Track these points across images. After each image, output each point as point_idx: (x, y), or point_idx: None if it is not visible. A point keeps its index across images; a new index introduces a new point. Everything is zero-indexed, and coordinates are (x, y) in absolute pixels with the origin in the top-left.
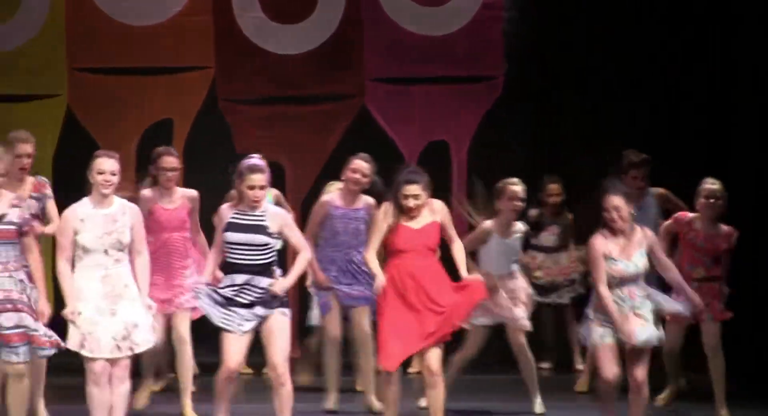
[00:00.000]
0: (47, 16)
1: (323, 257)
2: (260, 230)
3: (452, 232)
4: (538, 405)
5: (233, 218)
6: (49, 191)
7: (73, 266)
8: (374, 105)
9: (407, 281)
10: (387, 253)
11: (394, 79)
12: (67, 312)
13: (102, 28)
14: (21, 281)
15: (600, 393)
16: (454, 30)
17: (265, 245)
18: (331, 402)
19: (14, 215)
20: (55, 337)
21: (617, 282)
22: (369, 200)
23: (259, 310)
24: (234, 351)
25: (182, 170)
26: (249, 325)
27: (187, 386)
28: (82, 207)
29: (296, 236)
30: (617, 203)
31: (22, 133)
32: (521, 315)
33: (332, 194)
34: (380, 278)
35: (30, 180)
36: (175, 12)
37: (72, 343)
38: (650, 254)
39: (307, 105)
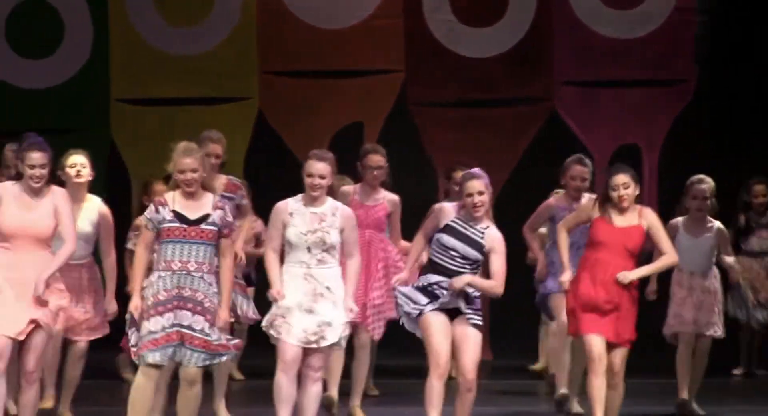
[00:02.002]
0: (238, 20)
1: (555, 259)
2: (475, 245)
3: (662, 243)
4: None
5: (454, 222)
6: (242, 192)
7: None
8: (564, 108)
9: (596, 274)
10: (586, 244)
11: (584, 83)
12: (273, 292)
13: (293, 31)
14: (210, 284)
15: None
16: (646, 33)
17: (475, 261)
18: (574, 405)
19: (216, 217)
20: (232, 342)
21: None
22: (591, 195)
23: (460, 303)
24: (443, 351)
25: (388, 168)
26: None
27: (359, 390)
28: (294, 202)
29: (498, 264)
30: None
31: (214, 133)
32: (715, 320)
33: (557, 195)
34: (567, 274)
35: (222, 179)
36: (366, 15)
37: (265, 322)
38: None
39: (497, 108)
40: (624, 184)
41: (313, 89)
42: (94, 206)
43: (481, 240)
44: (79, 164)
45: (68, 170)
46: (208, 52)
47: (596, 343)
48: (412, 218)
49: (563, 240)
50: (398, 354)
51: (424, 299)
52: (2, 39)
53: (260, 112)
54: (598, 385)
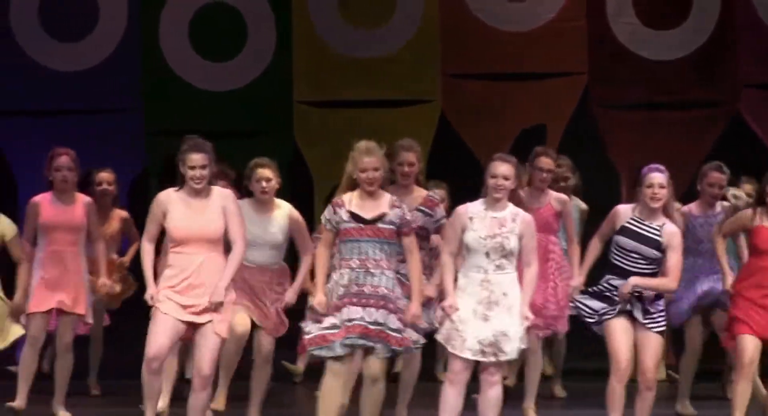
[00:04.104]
0: (421, 22)
1: (691, 267)
2: (651, 242)
3: None
4: None
5: (629, 223)
6: (440, 210)
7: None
8: (748, 112)
9: (761, 281)
10: (749, 251)
11: None
12: (445, 305)
13: (475, 33)
14: (391, 279)
15: None
16: None
17: (654, 259)
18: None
19: (394, 216)
20: (408, 338)
21: None
22: (724, 203)
23: (636, 313)
24: (623, 355)
25: (555, 172)
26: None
27: (533, 391)
28: (474, 206)
29: (674, 260)
30: None
31: (407, 141)
32: None
33: (691, 204)
34: (729, 279)
35: (420, 193)
36: (549, 18)
37: (440, 336)
38: None
39: (681, 111)
40: None
41: (496, 92)
42: (284, 213)
43: (658, 238)
44: (263, 179)
45: (254, 184)
46: (390, 55)
47: (749, 346)
48: (595, 220)
49: (720, 246)
50: (584, 357)
51: (599, 306)
52: (186, 41)
53: (442, 114)
54: (742, 390)
